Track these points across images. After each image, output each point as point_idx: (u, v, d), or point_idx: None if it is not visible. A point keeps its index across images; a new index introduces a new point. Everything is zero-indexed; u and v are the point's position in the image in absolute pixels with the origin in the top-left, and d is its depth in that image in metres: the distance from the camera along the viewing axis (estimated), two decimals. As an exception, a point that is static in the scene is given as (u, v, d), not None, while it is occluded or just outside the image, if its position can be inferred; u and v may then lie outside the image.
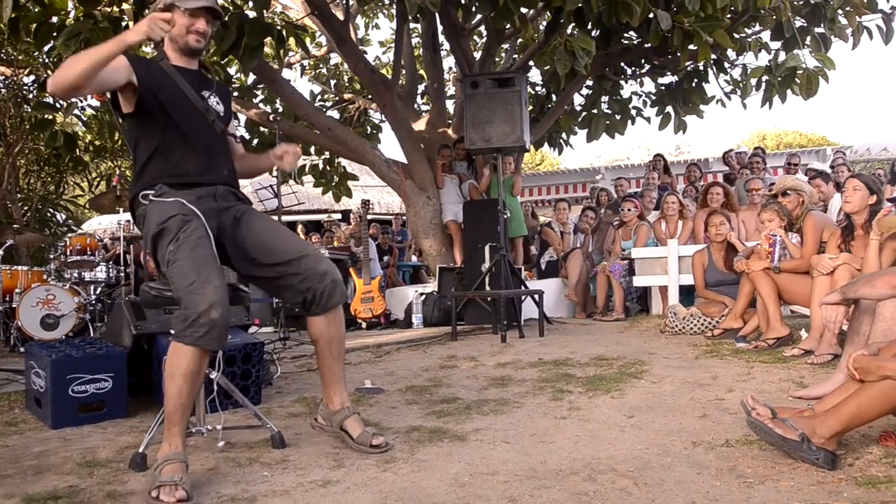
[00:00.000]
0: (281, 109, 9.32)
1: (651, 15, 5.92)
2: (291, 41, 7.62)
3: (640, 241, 6.93)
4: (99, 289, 6.57)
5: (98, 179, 10.28)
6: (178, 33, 2.70)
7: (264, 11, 7.36)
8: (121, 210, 6.52)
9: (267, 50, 8.44)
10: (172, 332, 2.40)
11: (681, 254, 6.20)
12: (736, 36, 7.41)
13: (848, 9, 7.15)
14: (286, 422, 3.15)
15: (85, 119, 9.53)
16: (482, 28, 9.35)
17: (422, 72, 9.62)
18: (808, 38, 7.33)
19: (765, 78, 7.65)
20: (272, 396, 3.75)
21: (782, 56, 7.50)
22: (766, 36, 7.78)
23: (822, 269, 4.03)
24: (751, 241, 5.78)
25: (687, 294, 6.17)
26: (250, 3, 7.27)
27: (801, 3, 7.28)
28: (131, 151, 2.81)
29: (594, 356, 4.46)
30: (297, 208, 11.62)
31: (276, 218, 4.99)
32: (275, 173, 6.31)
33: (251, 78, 9.16)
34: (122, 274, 6.53)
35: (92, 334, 5.93)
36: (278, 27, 7.29)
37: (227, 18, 5.88)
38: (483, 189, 7.82)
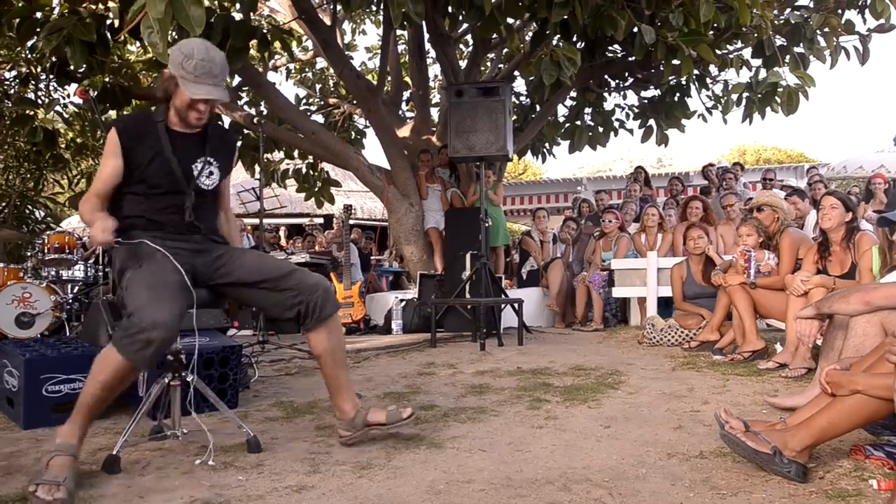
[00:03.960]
0: (265, 112, 9.29)
1: (636, 29, 6.00)
2: (277, 44, 7.63)
3: (621, 252, 6.99)
4: (76, 288, 6.50)
5: (78, 177, 10.16)
6: (180, 106, 2.70)
7: (251, 14, 7.35)
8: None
9: (252, 52, 8.41)
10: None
11: (660, 266, 6.26)
12: (718, 52, 7.52)
13: (826, 30, 7.30)
14: (263, 426, 3.13)
15: (66, 116, 9.43)
16: (469, 37, 9.40)
17: (407, 79, 9.64)
18: (788, 57, 7.46)
19: (745, 94, 7.77)
20: (249, 400, 3.74)
21: (763, 73, 7.62)
22: (747, 53, 7.90)
23: (794, 291, 4.08)
24: (728, 254, 5.85)
25: (665, 306, 6.23)
26: (237, 6, 7.25)
27: (781, 22, 7.41)
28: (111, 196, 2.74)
29: (572, 366, 4.48)
30: (279, 212, 11.59)
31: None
32: (257, 175, 6.29)
33: (236, 80, 9.12)
34: (101, 273, 6.46)
35: (68, 334, 5.86)
36: (264, 30, 7.29)
37: (212, 20, 5.86)
38: (470, 203, 7.83)
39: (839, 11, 7.46)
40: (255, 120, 6.60)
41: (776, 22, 7.32)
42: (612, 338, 5.98)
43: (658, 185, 10.61)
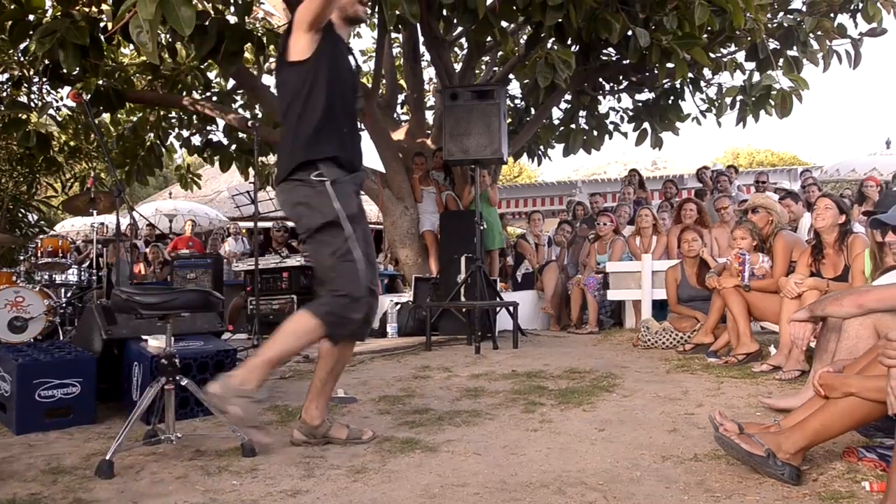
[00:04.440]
0: (260, 115, 9.28)
1: (630, 32, 6.01)
2: (272, 48, 7.61)
3: (615, 255, 7.00)
4: (70, 292, 6.47)
5: (72, 181, 10.13)
6: (348, 2, 2.71)
7: (245, 17, 7.35)
8: (94, 212, 6.43)
9: (247, 56, 8.41)
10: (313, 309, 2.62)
11: (654, 269, 6.27)
12: (712, 55, 7.55)
13: (819, 33, 7.34)
14: (257, 430, 3.12)
15: (60, 119, 9.40)
16: (463, 40, 9.40)
17: (402, 81, 9.63)
18: (782, 60, 7.49)
19: (739, 97, 7.81)
20: (244, 404, 3.72)
21: (757, 76, 7.65)
22: (741, 57, 7.93)
23: (788, 293, 4.10)
24: (723, 257, 5.86)
25: (660, 308, 6.24)
26: (232, 9, 7.25)
27: (774, 25, 7.44)
28: (289, 105, 2.70)
29: (567, 369, 4.48)
30: (274, 214, 11.57)
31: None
32: (251, 179, 6.28)
33: (231, 83, 9.12)
34: (94, 277, 6.44)
35: (61, 338, 5.84)
36: (259, 34, 7.29)
37: (206, 23, 5.86)
38: (466, 205, 7.82)
39: (832, 15, 7.51)
40: (249, 123, 6.59)
41: (770, 25, 7.36)
42: (606, 340, 5.99)
43: (652, 187, 10.62)
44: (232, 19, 6.93)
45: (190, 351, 3.37)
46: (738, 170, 12.00)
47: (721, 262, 5.16)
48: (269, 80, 10.86)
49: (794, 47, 7.48)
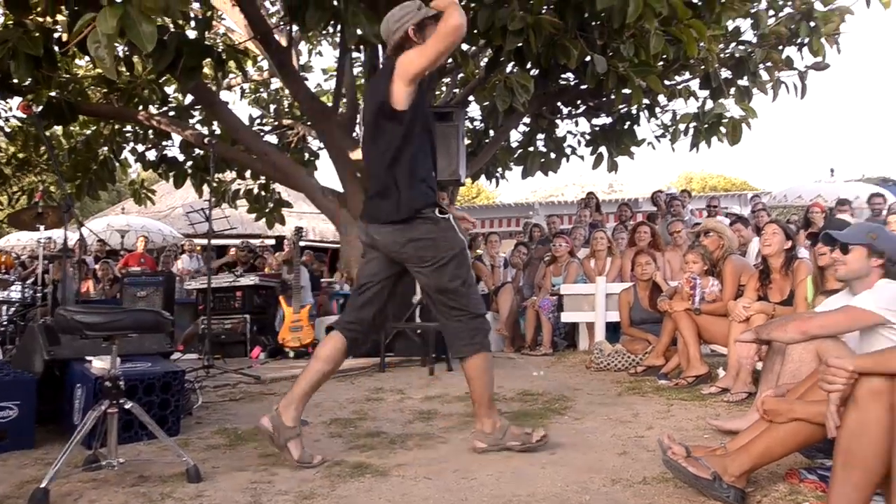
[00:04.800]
0: (218, 132, 9.19)
1: (588, 58, 6.12)
2: (231, 64, 7.57)
3: (570, 277, 7.05)
4: (12, 309, 6.28)
5: (19, 194, 9.87)
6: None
7: (205, 32, 7.30)
8: (41, 227, 6.24)
9: (206, 71, 8.34)
10: (466, 343, 2.98)
11: (608, 291, 6.33)
12: (667, 83, 7.74)
13: (768, 64, 7.58)
14: (204, 454, 3.06)
15: (8, 131, 9.18)
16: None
17: (362, 101, 9.65)
18: (733, 89, 7.71)
19: (692, 124, 8.00)
20: (191, 427, 3.64)
21: (709, 104, 7.86)
22: (694, 85, 8.15)
23: (736, 317, 4.18)
24: (675, 281, 5.95)
25: (613, 331, 6.30)
26: (192, 24, 7.19)
27: (726, 55, 7.66)
28: (388, 150, 2.89)
29: (520, 391, 4.49)
30: (229, 233, 11.43)
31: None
32: (206, 196, 6.20)
33: (188, 98, 9.02)
34: (39, 294, 6.25)
35: (1, 357, 5.65)
36: (219, 49, 7.23)
37: (165, 38, 5.80)
38: None
39: (780, 48, 7.76)
40: (206, 140, 6.52)
41: (722, 55, 7.58)
42: (560, 362, 6.02)
43: (609, 210, 10.79)
44: (192, 34, 6.87)
45: (136, 372, 3.28)
46: (692, 194, 12.27)
47: (673, 286, 5.25)
48: (228, 97, 10.84)
49: (745, 77, 7.71)
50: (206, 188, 8.55)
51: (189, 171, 9.19)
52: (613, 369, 5.37)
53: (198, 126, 9.28)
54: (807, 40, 7.57)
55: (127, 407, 2.67)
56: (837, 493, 1.80)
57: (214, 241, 11.67)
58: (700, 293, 4.68)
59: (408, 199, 2.89)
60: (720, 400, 4.00)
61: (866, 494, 1.79)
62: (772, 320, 3.66)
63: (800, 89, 7.92)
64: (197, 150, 8.86)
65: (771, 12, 7.82)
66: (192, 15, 7.12)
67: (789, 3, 7.74)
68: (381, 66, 2.92)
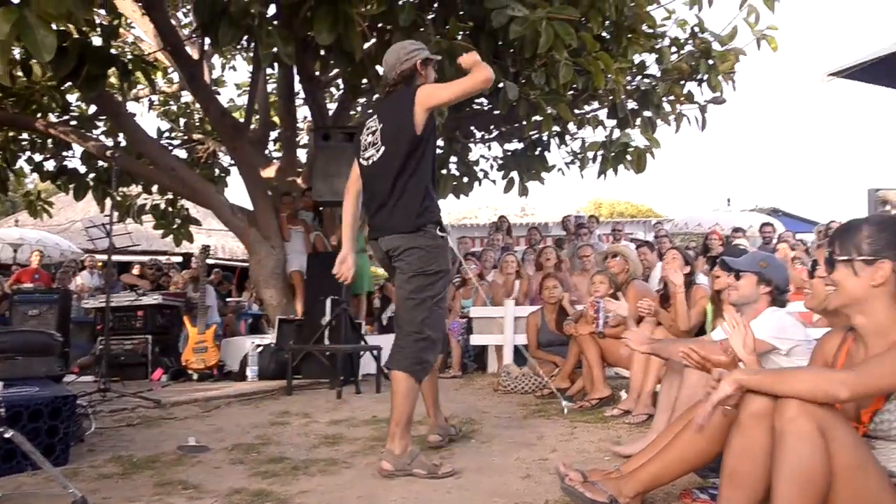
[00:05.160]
0: (124, 144, 8.85)
1: (501, 84, 6.24)
2: (139, 74, 7.32)
3: (479, 300, 7.13)
4: None
5: None
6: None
7: (111, 41, 7.02)
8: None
9: (113, 80, 8.04)
10: (410, 360, 3.16)
11: (516, 314, 6.43)
12: (576, 111, 7.99)
13: (671, 98, 7.94)
14: (94, 484, 2.90)
15: None
16: (340, 81, 9.43)
17: (276, 118, 9.51)
18: (639, 120, 8.03)
19: (600, 152, 8.27)
20: (83, 455, 3.45)
21: (616, 133, 8.16)
22: (602, 114, 8.44)
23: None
24: (581, 304, 6.11)
25: (521, 353, 6.39)
26: (97, 30, 6.93)
27: (633, 87, 7.99)
28: (404, 174, 3.21)
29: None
30: (133, 249, 10.99)
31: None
32: (107, 211, 5.95)
33: (92, 108, 8.66)
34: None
35: None
36: (126, 59, 6.99)
37: (66, 44, 5.56)
38: (333, 247, 7.74)
39: (682, 82, 8.15)
40: (108, 152, 6.26)
41: (628, 87, 7.88)
42: (469, 385, 6.05)
43: (520, 234, 11.01)
44: (97, 40, 6.61)
45: (20, 398, 3.09)
46: (599, 220, 12.65)
47: (579, 309, 5.38)
48: (136, 108, 10.45)
49: (650, 109, 8.05)
50: (108, 202, 8.20)
51: (91, 183, 8.80)
52: (520, 392, 5.43)
53: (102, 137, 8.92)
54: (706, 76, 7.99)
55: (7, 436, 2.51)
56: (723, 511, 1.88)
57: (118, 258, 11.21)
58: (604, 317, 4.81)
59: (417, 213, 3.22)
60: (622, 422, 4.11)
61: (749, 513, 1.88)
62: (669, 340, 3.82)
63: (700, 122, 8.34)
64: (100, 162, 8.50)
65: (673, 49, 8.22)
66: (97, 21, 6.87)
67: (690, 42, 8.16)
68: (385, 90, 3.45)
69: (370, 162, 3.35)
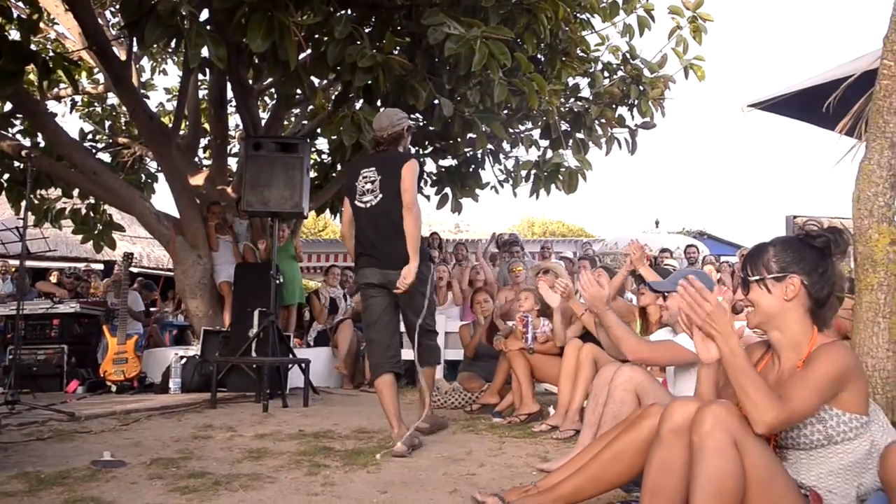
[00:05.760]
0: (43, 144, 8.48)
1: (436, 101, 6.27)
2: (60, 73, 7.04)
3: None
4: None
5: None
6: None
7: (31, 36, 6.73)
8: None
9: (32, 77, 7.70)
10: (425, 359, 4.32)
11: (447, 329, 6.45)
12: (510, 130, 8.10)
13: (603, 121, 8.14)
14: (-4, 502, 2.73)
15: None
16: (273, 90, 9.30)
17: (206, 125, 9.29)
18: (571, 141, 8.19)
19: (533, 171, 8.39)
20: (-16, 471, 3.25)
21: (549, 153, 8.30)
22: (536, 134, 8.57)
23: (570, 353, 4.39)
24: (512, 321, 6.17)
25: (451, 368, 6.40)
26: (14, 24, 6.64)
27: (566, 109, 8.15)
28: (400, 218, 4.05)
29: (356, 428, 4.43)
30: (51, 255, 10.51)
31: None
32: (21, 214, 5.68)
33: (7, 106, 8.26)
34: None
35: None
36: (47, 56, 6.71)
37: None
38: (264, 255, 7.59)
39: (613, 106, 8.37)
40: (24, 152, 5.98)
41: (562, 109, 8.04)
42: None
43: (450, 250, 11.06)
44: (14, 35, 6.34)
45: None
46: (523, 238, 12.81)
47: (509, 325, 5.43)
48: (57, 108, 10.03)
49: (582, 131, 8.22)
50: (23, 204, 7.83)
51: (5, 184, 8.40)
52: (450, 407, 5.44)
53: (19, 137, 8.53)
54: (636, 102, 8.22)
55: None
56: (645, 526, 1.91)
57: (33, 264, 10.71)
58: (532, 332, 4.87)
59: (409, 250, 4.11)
60: (550, 437, 4.16)
61: (670, 527, 1.91)
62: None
63: (630, 145, 8.57)
64: (16, 163, 8.12)
65: (606, 74, 8.44)
66: (15, 14, 6.57)
67: (622, 68, 8.40)
68: (380, 147, 4.32)
69: (369, 206, 4.15)
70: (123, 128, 10.40)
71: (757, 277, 2.04)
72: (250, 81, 7.91)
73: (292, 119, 10.22)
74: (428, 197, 9.66)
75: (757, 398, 1.82)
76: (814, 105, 3.59)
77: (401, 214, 4.03)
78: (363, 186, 4.18)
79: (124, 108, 9.33)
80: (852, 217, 2.62)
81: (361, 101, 6.68)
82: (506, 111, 7.27)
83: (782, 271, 2.02)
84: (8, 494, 2.86)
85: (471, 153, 8.95)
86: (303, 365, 5.74)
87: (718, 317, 1.91)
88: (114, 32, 8.96)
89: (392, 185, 4.07)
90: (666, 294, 3.58)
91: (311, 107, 9.51)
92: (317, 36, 6.21)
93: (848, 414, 1.90)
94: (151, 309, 10.18)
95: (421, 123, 8.42)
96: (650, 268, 4.50)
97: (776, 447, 1.97)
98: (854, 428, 1.90)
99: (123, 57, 7.66)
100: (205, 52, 5.41)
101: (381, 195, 4.10)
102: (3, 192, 8.45)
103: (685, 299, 1.95)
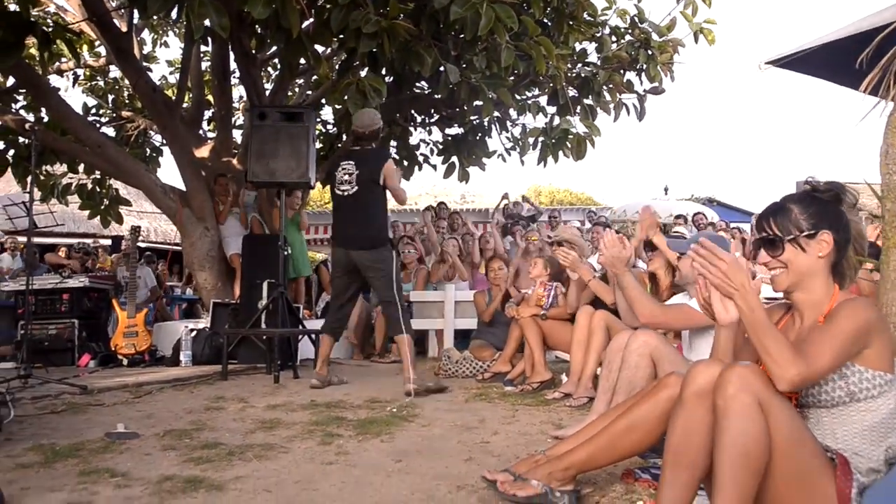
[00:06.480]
0: (46, 119, 8.41)
1: (442, 67, 6.17)
2: (62, 45, 6.95)
3: (420, 284, 7.09)
4: None
5: None
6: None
7: (30, 7, 6.62)
8: None
9: (33, 51, 7.61)
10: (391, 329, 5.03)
11: (457, 298, 6.42)
12: (517, 97, 7.97)
13: (611, 86, 7.99)
14: (12, 474, 2.73)
15: None
16: (277, 60, 9.18)
17: (210, 97, 9.20)
18: (579, 108, 8.08)
19: (541, 139, 8.28)
20: (0, 444, 3.26)
21: (556, 120, 8.18)
22: (543, 101, 8.44)
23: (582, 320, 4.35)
24: (525, 288, 6.14)
25: (462, 338, 6.38)
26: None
27: (573, 75, 8.02)
28: (371, 209, 4.92)
29: (367, 398, 4.42)
30: (58, 230, 10.51)
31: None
32: (27, 188, 5.65)
33: (10, 80, 8.18)
34: None
35: None
36: (48, 27, 6.61)
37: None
38: (274, 228, 7.55)
39: (622, 71, 8.22)
40: (27, 126, 5.91)
41: (569, 74, 7.91)
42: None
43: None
44: (13, 7, 6.24)
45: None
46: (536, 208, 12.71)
47: (522, 293, 5.39)
48: (60, 82, 9.94)
49: (590, 97, 8.09)
50: (29, 179, 7.79)
51: (10, 159, 8.35)
52: (461, 376, 5.43)
53: (22, 112, 8.46)
54: (645, 66, 8.07)
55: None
56: (667, 491, 1.87)
57: (41, 240, 10.70)
58: (551, 300, 4.85)
59: (382, 234, 4.99)
60: (563, 405, 4.14)
61: (692, 491, 1.88)
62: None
63: (639, 111, 8.44)
64: (21, 138, 8.06)
65: (614, 38, 8.28)
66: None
67: (630, 32, 8.24)
68: (361, 142, 5.13)
69: (346, 195, 4.86)
70: (126, 101, 10.30)
71: (791, 236, 1.98)
72: (253, 51, 7.79)
73: (296, 90, 10.10)
74: (434, 166, 9.59)
75: (778, 355, 1.78)
76: (837, 61, 3.48)
77: (372, 204, 4.84)
78: (342, 177, 4.88)
79: (127, 82, 9.22)
80: (880, 173, 2.53)
81: (366, 69, 6.58)
82: (513, 77, 7.15)
83: (814, 228, 1.97)
84: (24, 466, 2.86)
85: (477, 121, 8.84)
86: (313, 336, 5.72)
87: (735, 274, 1.87)
88: (114, 4, 8.84)
89: (367, 179, 4.82)
90: (680, 254, 3.53)
91: (315, 77, 9.40)
92: (320, 3, 6.09)
93: (871, 371, 1.86)
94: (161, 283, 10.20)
95: (427, 91, 8.31)
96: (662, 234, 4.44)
97: (797, 405, 1.93)
98: (878, 385, 1.86)
99: (124, 28, 7.55)
100: (206, 22, 5.33)
101: (357, 186, 4.83)
102: (10, 168, 8.39)
103: (698, 261, 1.91)
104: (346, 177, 4.86)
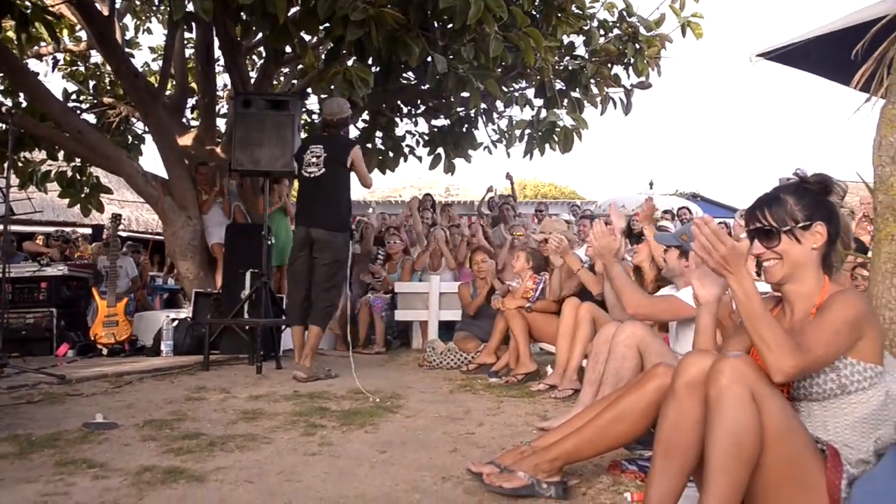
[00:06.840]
0: (25, 104, 8.25)
1: (429, 58, 6.11)
2: (41, 28, 6.81)
3: (405, 275, 7.04)
4: None
5: None
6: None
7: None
8: None
9: (10, 35, 7.45)
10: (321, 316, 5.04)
11: (442, 290, 6.38)
12: (505, 89, 7.93)
13: (598, 79, 7.97)
14: (-14, 464, 2.67)
15: None
16: (262, 48, 9.07)
17: (194, 84, 9.07)
18: (566, 100, 8.05)
19: (527, 131, 8.25)
20: (-27, 434, 3.18)
21: (543, 113, 8.15)
22: (530, 93, 8.40)
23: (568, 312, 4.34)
24: (510, 280, 6.11)
25: (446, 329, 6.35)
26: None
27: (561, 67, 7.98)
28: (336, 191, 5.11)
29: (351, 389, 4.38)
30: (36, 218, 10.33)
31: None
32: (4, 174, 5.53)
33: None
34: None
35: None
36: (26, 9, 6.47)
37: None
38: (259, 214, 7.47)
39: (609, 65, 8.20)
40: (4, 109, 5.79)
41: (557, 67, 7.88)
42: (393, 361, 5.98)
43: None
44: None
45: None
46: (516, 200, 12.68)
47: (507, 284, 5.36)
48: (39, 67, 9.77)
49: (577, 90, 8.06)
50: (6, 165, 7.64)
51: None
52: (446, 367, 5.40)
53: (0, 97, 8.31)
54: (633, 60, 8.05)
55: None
56: (657, 482, 1.85)
57: (19, 228, 10.52)
58: (538, 293, 4.83)
59: (343, 219, 5.15)
60: (548, 397, 4.12)
61: (682, 482, 1.86)
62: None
63: (625, 105, 8.42)
64: (-2, 124, 7.90)
65: (602, 32, 8.25)
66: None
67: (618, 26, 8.21)
68: (329, 129, 5.36)
69: (312, 176, 5.07)
70: (108, 88, 10.13)
71: (787, 228, 1.96)
72: (238, 38, 7.68)
73: (282, 79, 9.99)
74: (420, 158, 9.52)
75: (774, 345, 1.76)
76: (829, 54, 3.48)
77: (339, 186, 5.07)
78: (310, 159, 5.10)
79: (108, 68, 9.07)
80: (873, 164, 2.52)
81: (353, 58, 6.51)
82: (500, 69, 7.10)
83: (808, 219, 1.96)
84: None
85: (464, 112, 8.79)
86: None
87: (734, 259, 1.85)
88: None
89: (335, 161, 5.06)
90: (666, 249, 3.52)
91: (300, 65, 9.29)
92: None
93: (862, 363, 1.85)
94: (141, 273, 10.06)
95: (413, 82, 8.24)
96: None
97: (789, 398, 1.92)
98: (868, 378, 1.85)
99: (106, 12, 7.42)
100: (190, 7, 5.24)
101: (324, 169, 5.05)
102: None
103: (699, 240, 1.88)
104: (314, 159, 5.07)
